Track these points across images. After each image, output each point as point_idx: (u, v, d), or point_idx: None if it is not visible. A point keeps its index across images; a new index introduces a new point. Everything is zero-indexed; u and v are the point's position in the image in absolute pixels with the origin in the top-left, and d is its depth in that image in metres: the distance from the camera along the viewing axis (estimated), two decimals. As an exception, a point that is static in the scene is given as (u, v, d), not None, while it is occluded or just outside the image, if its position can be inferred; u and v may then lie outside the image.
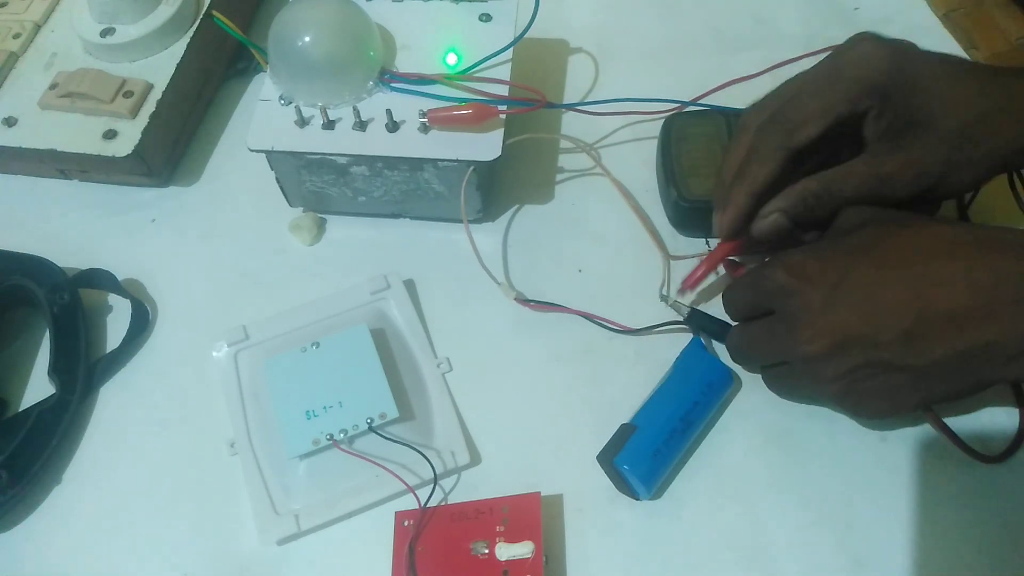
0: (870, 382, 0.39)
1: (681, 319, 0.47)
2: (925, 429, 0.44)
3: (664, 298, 0.48)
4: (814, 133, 0.42)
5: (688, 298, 0.48)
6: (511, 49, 0.50)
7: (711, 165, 0.50)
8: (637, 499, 0.43)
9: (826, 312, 0.39)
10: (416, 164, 0.49)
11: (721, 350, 0.47)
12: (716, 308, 0.47)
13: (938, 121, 0.41)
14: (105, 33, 0.57)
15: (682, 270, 0.50)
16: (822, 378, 0.40)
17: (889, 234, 0.40)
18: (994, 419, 0.44)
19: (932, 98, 0.41)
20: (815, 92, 0.43)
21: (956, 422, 0.44)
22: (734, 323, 0.45)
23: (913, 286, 0.38)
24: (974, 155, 0.41)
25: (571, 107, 0.55)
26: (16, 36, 0.60)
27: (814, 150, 0.43)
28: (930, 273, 0.38)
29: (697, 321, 0.47)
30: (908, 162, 0.41)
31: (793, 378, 0.43)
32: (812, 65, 0.44)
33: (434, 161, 0.48)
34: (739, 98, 0.55)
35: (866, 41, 0.42)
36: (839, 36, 0.60)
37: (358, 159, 0.49)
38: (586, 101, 0.57)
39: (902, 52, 0.42)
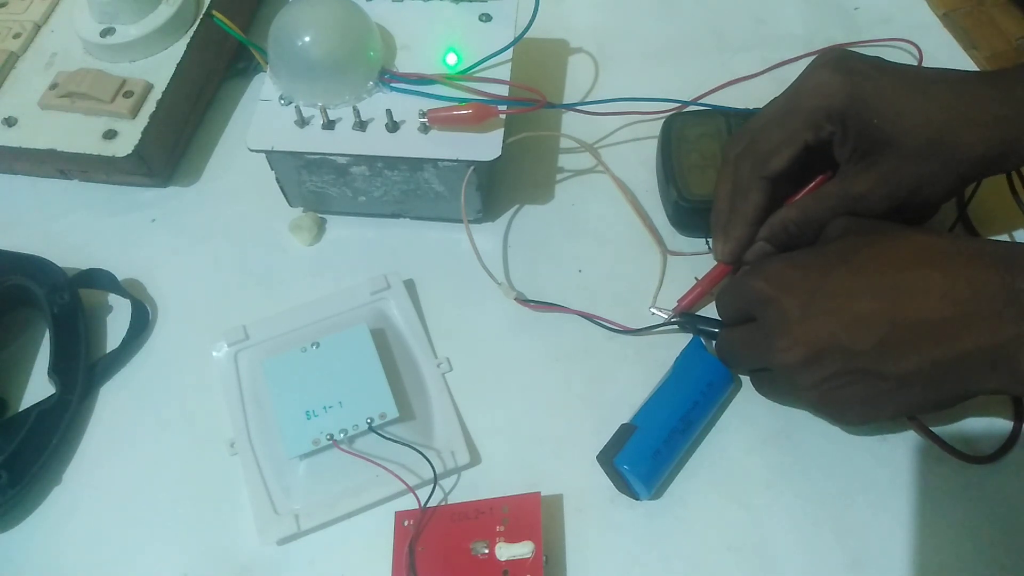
0: (847, 390, 0.39)
1: (678, 322, 0.48)
2: (925, 429, 0.44)
3: (655, 314, 0.48)
4: (785, 161, 0.44)
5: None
6: (511, 49, 0.50)
7: (711, 165, 0.50)
8: (637, 499, 0.43)
9: (803, 321, 0.39)
10: (416, 164, 0.49)
11: (721, 350, 0.47)
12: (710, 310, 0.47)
13: (903, 139, 0.41)
14: (105, 33, 0.57)
15: (682, 270, 0.50)
16: (800, 386, 0.40)
17: (868, 243, 0.40)
18: (991, 421, 0.44)
19: (894, 117, 0.41)
20: (779, 123, 0.44)
21: (952, 424, 0.44)
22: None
23: (889, 295, 0.38)
24: (943, 168, 0.41)
25: (571, 107, 0.55)
26: (16, 36, 0.60)
27: (810, 167, 0.44)
28: (907, 282, 0.38)
29: (691, 324, 0.47)
30: (877, 181, 0.42)
31: (774, 384, 0.43)
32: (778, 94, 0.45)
33: (434, 161, 0.48)
34: (739, 98, 0.55)
35: (822, 68, 0.43)
36: (839, 36, 0.60)
37: (358, 159, 0.49)
38: (586, 101, 0.57)
39: (858, 75, 0.42)
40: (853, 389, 0.39)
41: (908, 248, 0.39)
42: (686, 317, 0.48)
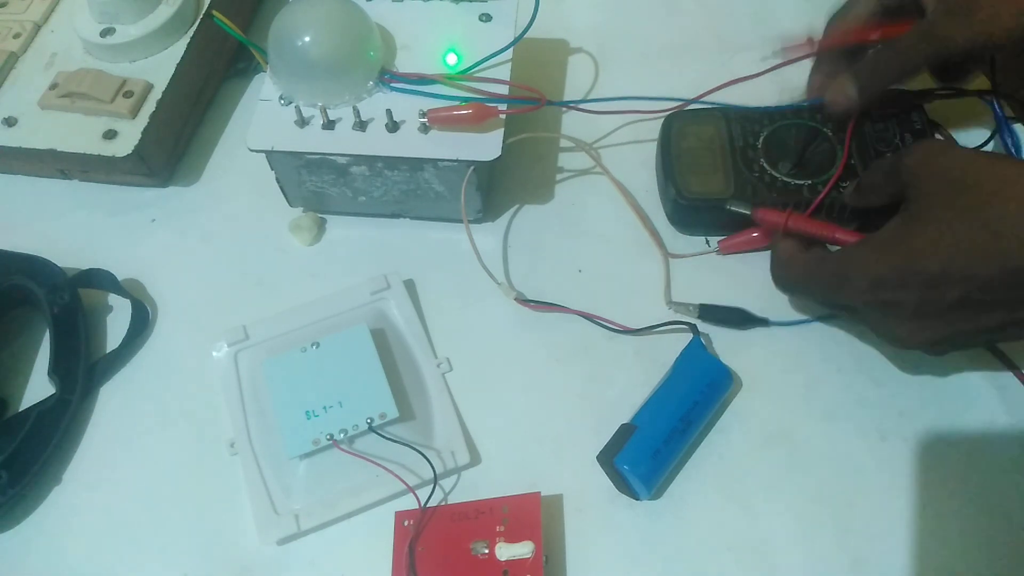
0: (954, 349, 0.41)
1: (683, 320, 0.47)
2: (925, 429, 0.44)
3: (671, 304, 0.48)
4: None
5: (693, 298, 0.48)
6: (511, 49, 0.50)
7: (711, 163, 0.50)
8: (637, 499, 0.43)
9: (920, 317, 0.39)
10: (416, 164, 0.49)
11: (721, 350, 0.47)
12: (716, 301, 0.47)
13: None
14: (105, 33, 0.57)
15: (682, 270, 0.50)
16: (904, 346, 0.41)
17: (957, 221, 0.37)
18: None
19: None
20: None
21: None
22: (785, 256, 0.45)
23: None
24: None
25: (571, 104, 0.55)
26: (16, 36, 0.60)
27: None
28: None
29: (709, 315, 0.47)
30: (965, 24, 0.42)
31: (860, 325, 0.44)
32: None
33: (434, 161, 0.48)
34: (739, 98, 0.55)
35: None
36: (839, 36, 0.60)
37: (358, 159, 0.49)
38: (586, 99, 0.56)
39: None
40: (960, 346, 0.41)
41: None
42: (705, 310, 0.47)
